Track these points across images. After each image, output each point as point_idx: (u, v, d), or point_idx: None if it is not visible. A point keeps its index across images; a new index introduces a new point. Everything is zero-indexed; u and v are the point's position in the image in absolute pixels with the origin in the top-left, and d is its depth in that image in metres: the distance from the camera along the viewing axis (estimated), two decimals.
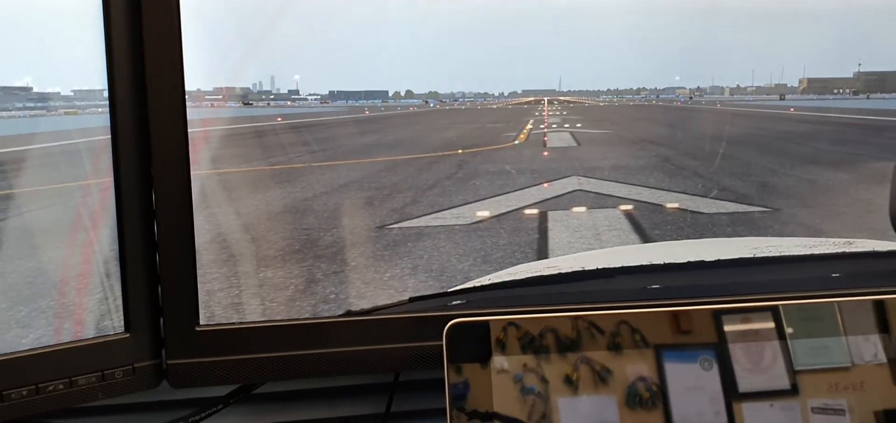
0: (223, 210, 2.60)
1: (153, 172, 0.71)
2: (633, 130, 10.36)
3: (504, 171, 6.11)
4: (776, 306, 0.65)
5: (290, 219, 3.60)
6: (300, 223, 3.49)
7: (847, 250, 0.93)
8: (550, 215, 3.75)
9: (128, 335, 0.73)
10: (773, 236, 2.89)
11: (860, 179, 5.19)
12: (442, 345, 0.62)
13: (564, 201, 4.25)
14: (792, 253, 0.93)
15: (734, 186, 5.32)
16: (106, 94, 0.69)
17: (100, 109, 0.71)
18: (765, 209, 3.98)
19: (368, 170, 5.59)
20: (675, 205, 4.08)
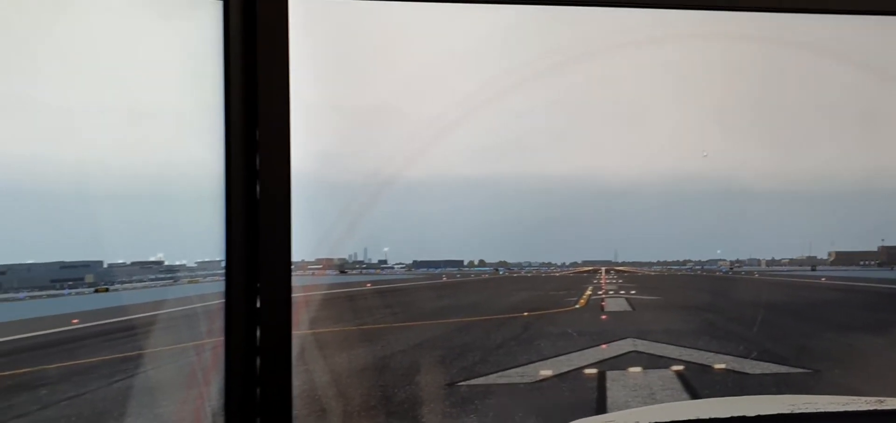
0: (315, 366, 3.08)
1: (259, 335, 0.74)
2: (681, 297, 9.95)
3: (565, 333, 6.24)
4: None
5: (369, 376, 3.82)
6: (378, 380, 3.69)
7: (878, 408, 0.93)
8: (608, 374, 3.93)
9: None
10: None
11: (892, 344, 4.97)
12: None
13: (621, 362, 4.58)
14: (827, 410, 0.95)
15: (775, 349, 5.15)
16: (223, 264, 0.74)
17: (216, 277, 0.82)
18: (805, 370, 4.20)
19: (442, 330, 6.28)
20: (722, 366, 4.38)
